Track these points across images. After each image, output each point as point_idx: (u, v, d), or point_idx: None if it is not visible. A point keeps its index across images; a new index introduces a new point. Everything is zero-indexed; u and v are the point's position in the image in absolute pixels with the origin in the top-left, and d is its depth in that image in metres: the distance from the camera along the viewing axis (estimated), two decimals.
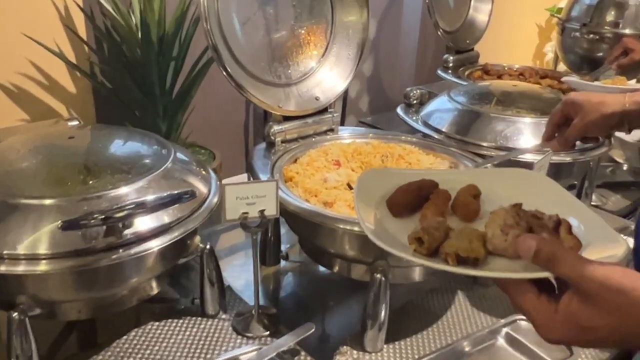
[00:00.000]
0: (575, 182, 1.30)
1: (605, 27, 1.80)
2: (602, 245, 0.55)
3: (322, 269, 1.06)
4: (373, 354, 0.87)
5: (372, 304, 0.85)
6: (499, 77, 1.76)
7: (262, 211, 0.83)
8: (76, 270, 0.73)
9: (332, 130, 1.17)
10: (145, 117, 1.22)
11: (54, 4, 1.19)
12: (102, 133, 0.98)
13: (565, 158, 1.14)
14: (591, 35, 1.81)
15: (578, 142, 0.93)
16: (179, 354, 0.85)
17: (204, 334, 0.89)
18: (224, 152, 1.33)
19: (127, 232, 0.76)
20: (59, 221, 0.70)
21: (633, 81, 1.64)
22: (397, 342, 0.90)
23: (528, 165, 1.04)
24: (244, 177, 1.32)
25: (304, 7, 1.14)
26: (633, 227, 1.23)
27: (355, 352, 0.87)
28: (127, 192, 0.79)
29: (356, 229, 0.81)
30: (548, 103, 1.30)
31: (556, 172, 1.12)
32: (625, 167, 1.63)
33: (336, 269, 0.94)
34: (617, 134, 1.06)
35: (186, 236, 0.83)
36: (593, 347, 0.51)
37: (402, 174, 0.74)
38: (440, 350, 0.88)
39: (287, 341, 0.83)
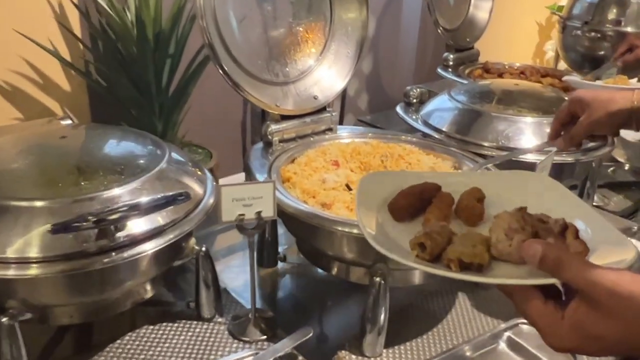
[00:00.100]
0: (577, 183, 1.28)
1: (607, 25, 1.78)
2: (609, 249, 0.54)
3: (320, 270, 1.04)
4: (372, 359, 0.86)
5: (371, 307, 0.83)
6: (500, 75, 1.74)
7: (259, 213, 0.81)
8: (68, 274, 0.71)
9: (330, 129, 1.15)
10: (141, 116, 1.21)
11: (48, 1, 1.17)
12: (95, 133, 0.96)
13: (567, 158, 1.12)
14: (593, 34, 1.79)
15: (584, 141, 0.92)
16: (173, 358, 0.83)
17: (199, 338, 0.87)
18: (221, 151, 1.32)
19: (120, 234, 0.74)
20: (49, 224, 0.68)
21: (634, 80, 1.63)
22: (396, 347, 0.88)
23: (530, 166, 1.03)
24: (241, 176, 1.29)
25: (302, 4, 1.12)
26: (636, 227, 1.21)
27: (354, 356, 0.86)
28: (120, 193, 0.76)
29: (355, 231, 0.79)
30: (550, 102, 1.28)
31: (558, 172, 1.10)
32: (626, 167, 1.62)
33: (334, 271, 0.93)
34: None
35: (181, 239, 0.81)
36: (600, 355, 0.49)
37: (404, 177, 0.72)
38: (441, 355, 0.86)
39: (285, 346, 0.81)
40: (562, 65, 2.05)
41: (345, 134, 1.15)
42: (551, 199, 0.65)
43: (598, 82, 1.49)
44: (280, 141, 1.08)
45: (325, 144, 1.10)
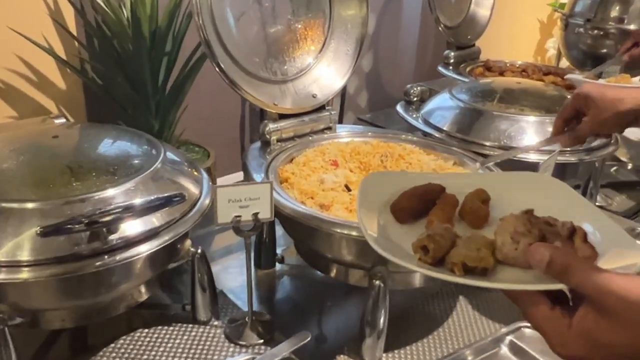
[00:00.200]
0: (580, 183, 1.26)
1: (610, 23, 1.76)
2: (619, 253, 0.52)
3: (319, 272, 1.02)
4: None
5: (370, 311, 0.81)
6: (501, 73, 1.72)
7: (255, 214, 0.80)
8: (59, 278, 0.70)
9: (329, 128, 1.14)
10: (137, 114, 1.19)
11: None
12: (88, 132, 0.94)
13: (570, 158, 1.11)
14: (595, 31, 1.77)
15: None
16: None
17: (195, 342, 0.85)
18: (219, 150, 1.30)
19: (113, 237, 0.72)
20: (39, 226, 0.66)
21: (637, 78, 1.61)
22: (396, 351, 0.86)
23: (533, 166, 1.01)
24: (240, 175, 1.28)
25: (302, 0, 1.10)
26: (639, 228, 1.19)
27: None
28: (113, 194, 0.75)
29: (354, 233, 0.77)
30: (552, 101, 1.26)
31: (561, 172, 1.09)
32: (629, 167, 1.60)
33: (333, 274, 0.91)
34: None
35: (176, 240, 0.79)
36: None
37: (407, 177, 0.71)
38: None
39: (282, 350, 0.80)
40: (564, 63, 2.03)
41: (345, 133, 1.13)
42: (557, 201, 0.63)
43: (600, 81, 1.47)
44: (279, 140, 1.06)
45: (324, 143, 1.08)
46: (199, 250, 0.85)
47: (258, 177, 0.94)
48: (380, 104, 1.97)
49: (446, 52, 1.81)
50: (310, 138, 1.09)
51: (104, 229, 0.70)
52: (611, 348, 0.46)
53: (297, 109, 1.09)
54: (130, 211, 0.72)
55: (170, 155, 0.88)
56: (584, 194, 1.25)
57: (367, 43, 1.84)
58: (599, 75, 1.60)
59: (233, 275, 1.04)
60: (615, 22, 1.75)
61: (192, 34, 1.11)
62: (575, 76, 1.57)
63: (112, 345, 0.84)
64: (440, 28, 1.75)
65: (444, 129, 1.20)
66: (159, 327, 0.88)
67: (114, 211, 0.70)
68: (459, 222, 0.63)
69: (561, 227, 0.53)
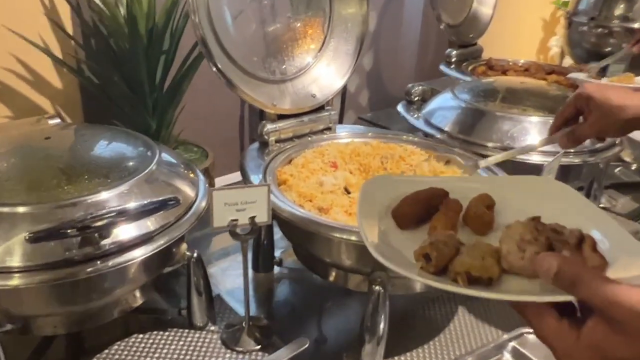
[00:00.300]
0: (583, 185, 1.24)
1: (614, 21, 1.73)
2: (629, 262, 0.50)
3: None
4: None
5: (370, 316, 0.79)
6: (504, 72, 1.70)
7: (252, 218, 0.78)
8: (51, 284, 0.68)
9: (329, 129, 1.12)
10: (134, 114, 1.17)
11: None
12: (81, 133, 0.92)
13: (574, 160, 1.09)
14: (599, 30, 1.75)
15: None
16: None
17: (191, 348, 0.84)
18: (218, 150, 1.28)
19: (106, 241, 0.70)
20: (27, 232, 0.64)
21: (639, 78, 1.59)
22: (396, 357, 0.85)
23: (536, 167, 0.99)
24: (238, 175, 1.26)
25: None
26: None
27: None
28: (106, 198, 0.73)
29: (353, 238, 0.76)
30: (556, 101, 1.24)
31: (565, 174, 1.07)
32: (633, 167, 1.57)
33: (332, 278, 0.89)
34: None
35: (171, 245, 0.77)
36: None
37: (409, 181, 0.69)
38: None
39: (280, 357, 0.78)
40: (567, 61, 2.01)
41: (344, 134, 1.11)
42: (564, 206, 0.61)
43: (604, 81, 1.45)
44: (277, 141, 1.04)
45: (323, 144, 1.06)
46: (195, 254, 0.83)
47: (256, 178, 0.92)
48: (381, 103, 1.95)
49: (448, 50, 1.79)
50: (309, 139, 1.08)
51: (97, 234, 0.68)
52: None
53: (296, 110, 1.07)
54: (123, 216, 0.70)
55: (165, 156, 0.86)
56: (587, 195, 1.23)
57: (368, 41, 1.82)
58: (605, 69, 1.58)
59: (232, 277, 1.03)
60: (620, 20, 1.73)
61: (190, 32, 1.08)
62: (578, 75, 1.54)
63: (107, 351, 0.82)
64: (442, 26, 1.73)
65: (446, 129, 1.18)
66: (154, 332, 0.86)
67: (106, 216, 0.68)
68: (463, 228, 0.61)
69: (569, 235, 0.51)
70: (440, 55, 1.86)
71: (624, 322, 0.43)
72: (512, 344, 0.86)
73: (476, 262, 0.50)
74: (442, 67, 1.75)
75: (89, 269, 0.68)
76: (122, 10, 1.11)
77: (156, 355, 0.82)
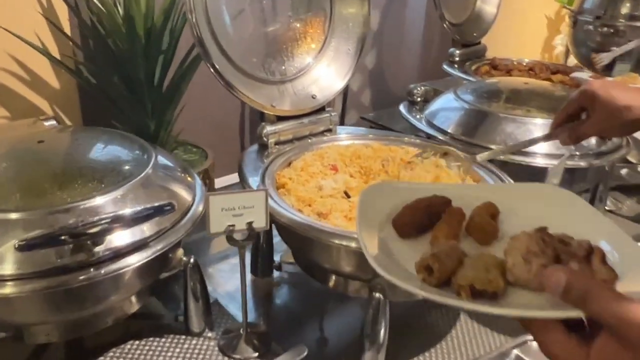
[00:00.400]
0: (588, 187, 1.22)
1: (620, 20, 1.71)
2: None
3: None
4: None
5: (370, 323, 0.78)
6: (508, 72, 1.68)
7: (250, 223, 0.76)
8: (44, 292, 0.66)
9: (329, 130, 1.10)
10: (132, 115, 1.15)
11: None
12: (75, 136, 0.91)
13: (580, 163, 1.07)
14: (605, 29, 1.72)
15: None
16: None
17: (188, 355, 0.82)
18: (218, 150, 1.26)
19: (100, 248, 0.69)
20: (17, 240, 0.63)
21: None
22: None
23: (541, 171, 0.97)
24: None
25: None
26: None
27: None
28: (100, 203, 0.71)
29: (353, 244, 0.74)
30: (560, 102, 1.20)
31: (570, 177, 1.05)
32: (639, 168, 1.55)
33: (331, 284, 0.87)
34: None
35: (167, 250, 0.76)
36: None
37: (410, 189, 0.67)
38: None
39: None
40: (572, 60, 1.98)
41: (345, 136, 1.09)
42: (571, 215, 0.59)
43: (607, 79, 1.43)
44: (276, 143, 1.02)
45: (323, 146, 1.05)
46: (192, 260, 0.82)
47: (254, 182, 0.90)
48: (383, 103, 1.93)
49: (451, 49, 1.77)
50: (309, 141, 1.06)
51: (90, 241, 0.67)
52: None
53: (296, 111, 1.05)
54: (117, 222, 0.68)
55: (162, 160, 0.85)
56: (593, 198, 1.21)
57: (370, 40, 1.81)
58: (611, 67, 1.56)
59: (231, 280, 1.01)
60: (626, 20, 1.70)
61: (189, 32, 1.07)
62: (582, 75, 1.52)
63: (102, 358, 0.81)
64: (445, 25, 1.71)
65: (448, 130, 1.16)
66: (151, 339, 0.85)
67: (100, 223, 0.66)
68: (466, 237, 0.59)
69: (577, 247, 0.49)
70: (443, 54, 1.83)
71: (635, 341, 0.41)
72: (515, 351, 0.84)
73: (480, 275, 0.48)
74: (445, 67, 1.73)
75: (82, 277, 0.67)
76: (120, 10, 1.10)
77: None
